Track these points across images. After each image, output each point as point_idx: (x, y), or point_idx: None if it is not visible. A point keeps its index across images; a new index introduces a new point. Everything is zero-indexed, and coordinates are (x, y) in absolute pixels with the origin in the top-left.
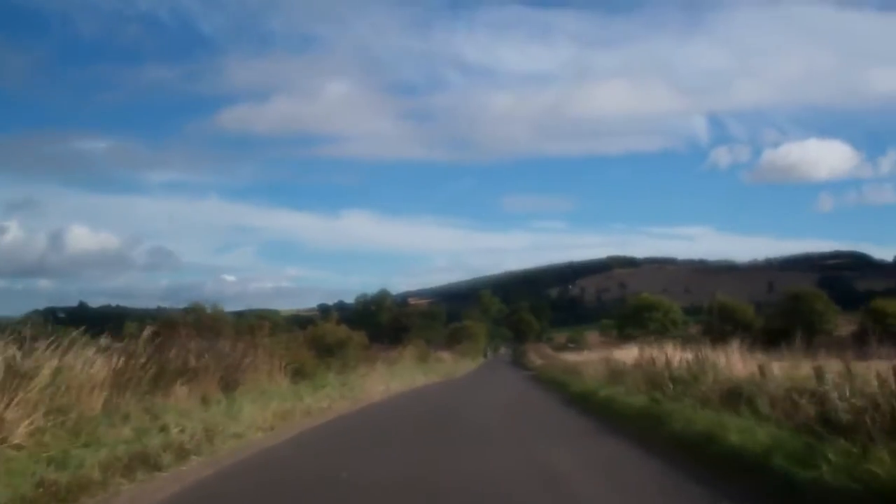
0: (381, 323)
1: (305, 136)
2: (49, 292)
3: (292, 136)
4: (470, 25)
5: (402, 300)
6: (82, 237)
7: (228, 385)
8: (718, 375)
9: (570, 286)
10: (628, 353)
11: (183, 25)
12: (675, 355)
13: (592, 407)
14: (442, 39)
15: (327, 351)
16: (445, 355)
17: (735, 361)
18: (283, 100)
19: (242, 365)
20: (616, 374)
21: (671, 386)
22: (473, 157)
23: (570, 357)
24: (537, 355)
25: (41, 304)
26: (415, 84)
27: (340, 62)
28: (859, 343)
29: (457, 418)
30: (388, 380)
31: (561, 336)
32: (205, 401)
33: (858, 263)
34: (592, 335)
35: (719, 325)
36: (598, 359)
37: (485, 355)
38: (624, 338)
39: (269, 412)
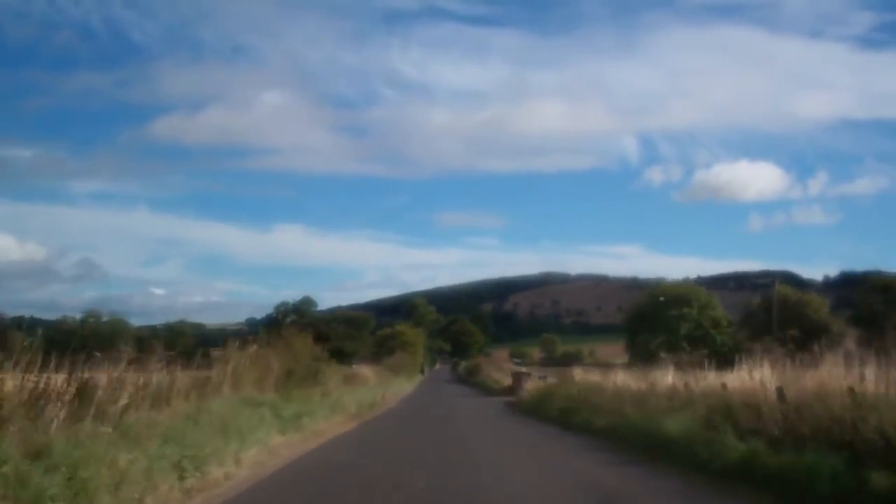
0: None
1: (238, 148)
2: None
3: (224, 148)
4: (405, 41)
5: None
6: (7, 247)
7: None
8: None
9: (504, 302)
10: None
11: (114, 33)
12: None
13: None
14: (377, 54)
15: None
16: (367, 371)
17: None
18: (216, 110)
19: None
20: None
21: None
22: (408, 173)
23: (597, 377)
24: (501, 373)
25: None
26: (350, 98)
27: (274, 74)
28: None
29: None
30: None
31: (500, 352)
32: None
33: (788, 282)
34: (534, 350)
35: (782, 329)
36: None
37: (422, 371)
38: (634, 348)
39: None
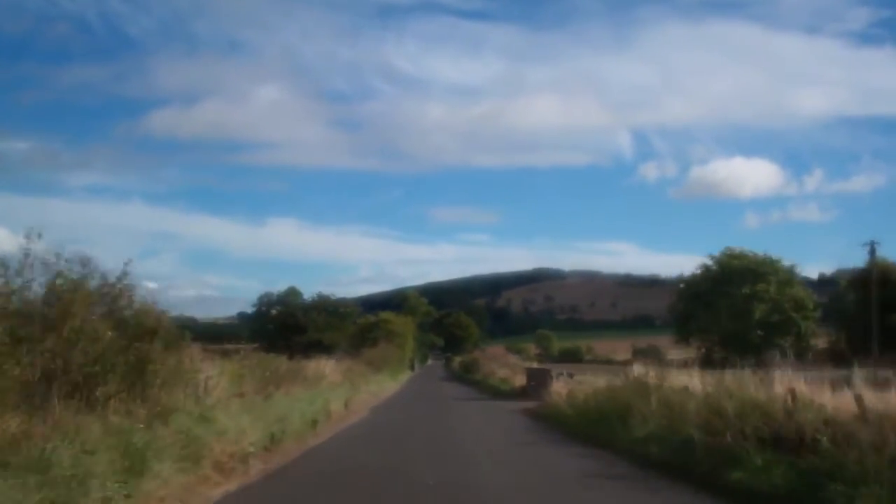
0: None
1: (232, 142)
2: None
3: (219, 142)
4: (400, 35)
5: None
6: (1, 240)
7: None
8: None
9: (497, 298)
10: None
11: (109, 27)
12: None
13: None
14: (372, 48)
15: None
16: (324, 367)
17: None
18: (211, 104)
19: None
20: None
21: None
22: (402, 168)
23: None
24: (507, 370)
25: None
26: (344, 92)
27: (269, 68)
28: None
29: None
30: None
31: (493, 347)
32: None
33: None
34: (529, 346)
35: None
36: None
37: (412, 367)
38: (683, 339)
39: None
